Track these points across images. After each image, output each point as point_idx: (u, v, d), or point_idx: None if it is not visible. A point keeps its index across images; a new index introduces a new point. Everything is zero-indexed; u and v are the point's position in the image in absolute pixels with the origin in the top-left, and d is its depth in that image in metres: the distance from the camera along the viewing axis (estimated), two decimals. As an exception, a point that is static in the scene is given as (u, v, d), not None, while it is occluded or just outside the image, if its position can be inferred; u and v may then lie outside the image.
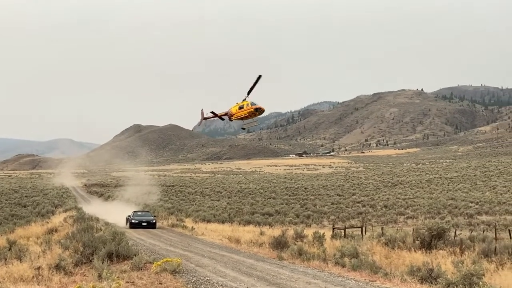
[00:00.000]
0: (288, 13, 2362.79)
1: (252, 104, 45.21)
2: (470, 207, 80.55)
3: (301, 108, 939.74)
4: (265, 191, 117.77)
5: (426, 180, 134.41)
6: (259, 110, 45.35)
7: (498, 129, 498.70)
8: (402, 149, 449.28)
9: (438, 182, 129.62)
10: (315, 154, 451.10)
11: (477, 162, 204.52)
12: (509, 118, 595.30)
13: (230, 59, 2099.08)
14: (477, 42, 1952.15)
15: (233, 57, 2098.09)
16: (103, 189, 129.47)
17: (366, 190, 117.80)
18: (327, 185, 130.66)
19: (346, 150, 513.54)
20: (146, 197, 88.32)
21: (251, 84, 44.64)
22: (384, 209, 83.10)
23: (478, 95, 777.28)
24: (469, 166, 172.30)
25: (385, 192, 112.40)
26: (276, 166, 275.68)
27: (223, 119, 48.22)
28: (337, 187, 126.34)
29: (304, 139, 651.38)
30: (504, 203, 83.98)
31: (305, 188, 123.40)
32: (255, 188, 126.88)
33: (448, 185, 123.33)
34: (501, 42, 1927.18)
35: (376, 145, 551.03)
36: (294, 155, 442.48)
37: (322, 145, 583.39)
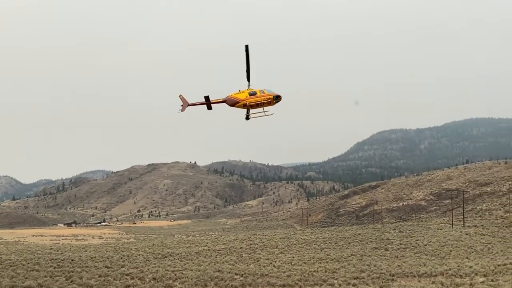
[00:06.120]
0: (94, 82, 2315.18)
1: (269, 91, 41.44)
2: (235, 279, 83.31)
3: (73, 176, 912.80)
4: (28, 263, 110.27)
5: (196, 252, 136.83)
6: (278, 99, 41.53)
7: (263, 203, 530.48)
8: (174, 220, 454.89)
9: (207, 254, 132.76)
10: (85, 224, 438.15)
11: (243, 235, 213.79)
12: (273, 193, 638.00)
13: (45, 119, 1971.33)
14: (243, 125, 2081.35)
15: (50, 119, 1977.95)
16: None
17: (136, 262, 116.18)
18: (95, 257, 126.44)
19: (118, 220, 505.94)
20: None
21: (246, 66, 39.04)
22: (152, 281, 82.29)
23: (247, 170, 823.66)
24: (236, 239, 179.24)
25: (155, 264, 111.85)
26: (42, 236, 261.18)
27: (211, 108, 41.90)
28: (106, 258, 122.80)
29: (75, 208, 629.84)
30: (266, 275, 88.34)
31: (72, 260, 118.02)
32: (17, 259, 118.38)
33: (216, 257, 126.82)
34: (265, 124, 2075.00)
35: (149, 216, 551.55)
36: (62, 225, 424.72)
37: (93, 215, 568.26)
